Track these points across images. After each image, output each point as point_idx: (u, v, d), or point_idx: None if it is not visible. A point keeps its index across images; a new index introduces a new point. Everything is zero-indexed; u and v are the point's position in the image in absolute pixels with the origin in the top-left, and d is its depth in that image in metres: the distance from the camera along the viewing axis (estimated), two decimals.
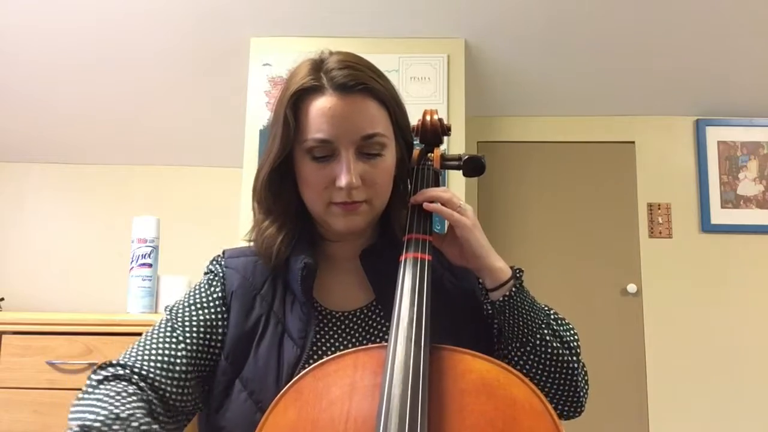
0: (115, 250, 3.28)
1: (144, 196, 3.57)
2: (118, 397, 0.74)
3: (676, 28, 2.89)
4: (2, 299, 3.20)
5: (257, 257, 0.95)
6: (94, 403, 0.73)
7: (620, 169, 3.60)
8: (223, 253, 0.99)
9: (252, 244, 0.97)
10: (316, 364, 0.78)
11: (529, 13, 2.79)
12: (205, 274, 0.97)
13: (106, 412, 0.71)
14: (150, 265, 2.30)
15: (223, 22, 2.85)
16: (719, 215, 3.49)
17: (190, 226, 3.41)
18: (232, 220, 2.95)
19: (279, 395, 0.75)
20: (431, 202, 0.90)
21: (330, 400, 0.74)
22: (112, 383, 0.77)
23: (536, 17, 2.82)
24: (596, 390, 3.22)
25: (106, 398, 0.74)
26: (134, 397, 0.76)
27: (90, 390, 0.76)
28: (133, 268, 2.29)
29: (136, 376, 0.79)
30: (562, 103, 3.54)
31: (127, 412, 0.72)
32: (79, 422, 0.70)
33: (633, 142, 3.62)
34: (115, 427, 0.69)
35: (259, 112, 2.94)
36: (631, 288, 3.44)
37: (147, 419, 0.72)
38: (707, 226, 3.49)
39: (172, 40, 2.91)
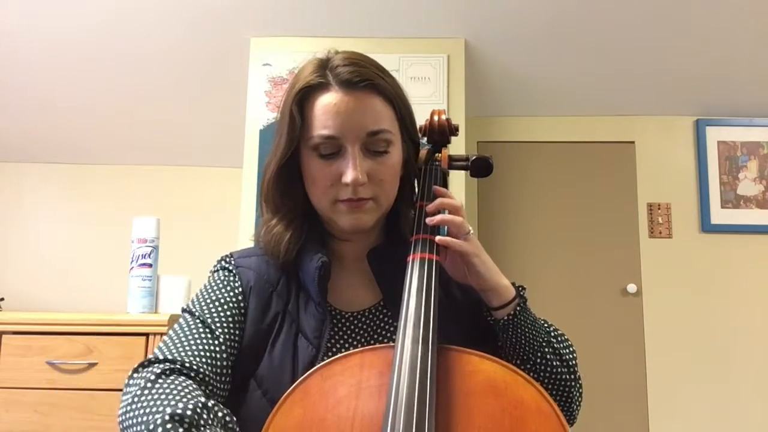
0: (115, 250, 3.27)
1: (144, 196, 3.57)
2: (189, 389, 0.73)
3: (677, 28, 2.89)
4: (2, 299, 3.20)
5: (266, 256, 0.95)
6: (172, 393, 0.71)
7: (620, 169, 3.60)
8: (231, 254, 0.99)
9: (259, 243, 0.96)
10: (322, 363, 0.78)
11: (530, 13, 2.79)
12: (215, 272, 0.96)
13: (193, 400, 0.69)
14: (150, 265, 2.30)
15: (223, 23, 2.84)
16: (719, 215, 3.49)
17: (190, 226, 3.42)
18: (232, 220, 2.95)
19: (285, 394, 0.75)
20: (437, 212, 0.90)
21: (337, 399, 0.74)
22: (172, 377, 0.75)
23: (536, 17, 2.82)
24: (596, 390, 3.24)
25: (180, 389, 0.72)
26: (200, 390, 0.75)
27: (152, 384, 0.74)
28: (133, 268, 2.29)
29: (189, 371, 0.79)
30: (562, 103, 3.54)
31: (210, 401, 0.70)
32: (167, 412, 0.67)
33: (633, 142, 3.62)
34: (204, 415, 0.68)
35: (259, 112, 2.93)
36: (631, 288, 3.44)
37: (227, 410, 0.71)
38: (707, 226, 3.49)
39: (172, 40, 2.90)
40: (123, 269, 2.42)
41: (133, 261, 2.29)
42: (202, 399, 0.70)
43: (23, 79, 3.11)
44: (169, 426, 0.65)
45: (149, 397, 0.71)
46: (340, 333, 0.91)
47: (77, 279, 3.47)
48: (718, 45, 3.00)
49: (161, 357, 0.80)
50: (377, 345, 0.82)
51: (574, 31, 2.92)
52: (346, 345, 0.90)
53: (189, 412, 0.67)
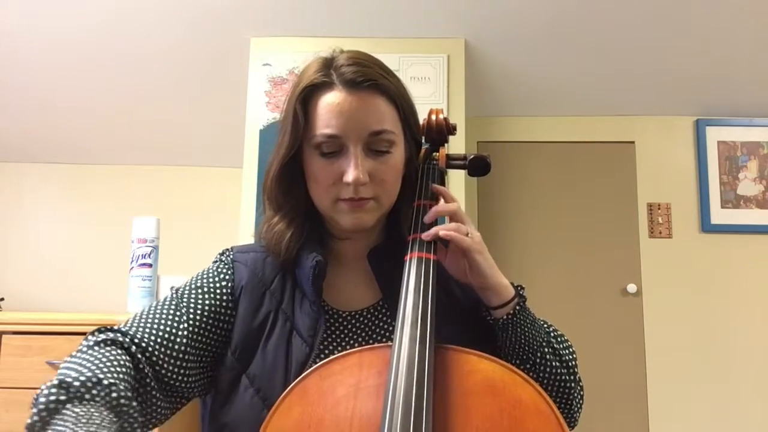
0: (115, 250, 3.27)
1: (144, 196, 3.57)
2: (108, 363, 0.73)
3: (677, 28, 2.89)
4: (2, 299, 3.20)
5: (266, 253, 0.95)
6: (82, 362, 0.72)
7: (620, 169, 3.60)
8: (232, 248, 0.99)
9: (261, 240, 0.97)
10: (321, 362, 0.77)
11: (530, 13, 2.79)
12: (213, 262, 0.97)
13: (89, 374, 0.70)
14: (150, 265, 2.30)
15: (223, 23, 2.84)
16: (719, 215, 3.49)
17: (190, 226, 3.42)
18: (232, 220, 2.95)
19: (284, 394, 0.75)
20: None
21: (335, 399, 0.74)
22: (108, 348, 0.76)
23: (536, 17, 2.82)
24: (596, 390, 3.24)
25: (95, 361, 0.73)
26: (124, 368, 0.75)
27: (84, 349, 0.76)
28: (133, 268, 2.29)
29: (134, 347, 0.79)
30: (562, 103, 3.54)
31: (111, 380, 0.70)
32: (61, 377, 0.69)
33: (633, 142, 3.62)
34: (93, 391, 0.68)
35: (259, 112, 2.93)
36: (631, 288, 3.44)
37: (128, 394, 0.71)
38: (707, 226, 3.49)
39: (172, 40, 2.90)
40: (123, 269, 2.42)
41: (133, 261, 2.29)
42: (102, 375, 0.70)
43: (23, 79, 3.11)
44: (54, 390, 0.67)
45: (73, 360, 0.73)
46: (336, 332, 0.90)
47: (77, 279, 3.47)
48: (718, 45, 3.00)
49: (117, 328, 0.81)
50: (376, 344, 0.82)
51: (574, 31, 2.92)
52: (342, 344, 0.89)
53: (77, 384, 0.68)
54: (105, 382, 0.70)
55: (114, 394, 0.69)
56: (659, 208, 3.54)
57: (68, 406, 0.67)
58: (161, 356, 0.81)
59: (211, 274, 0.93)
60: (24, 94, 3.20)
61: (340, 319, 0.92)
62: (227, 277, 0.93)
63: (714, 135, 3.56)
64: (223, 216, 3.36)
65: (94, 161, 3.62)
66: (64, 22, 2.77)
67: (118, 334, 0.79)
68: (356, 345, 0.89)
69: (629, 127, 3.62)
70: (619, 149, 3.62)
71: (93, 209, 3.59)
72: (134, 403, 0.71)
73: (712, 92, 3.40)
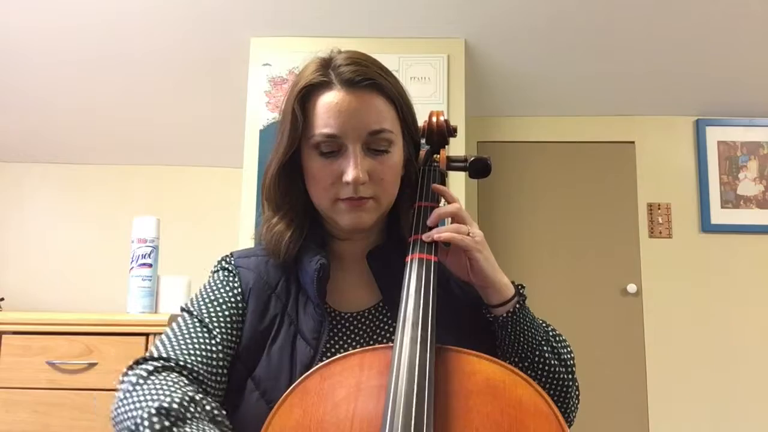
0: (115, 250, 3.27)
1: (144, 196, 3.57)
2: (180, 385, 0.74)
3: (677, 28, 2.89)
4: (2, 299, 3.20)
5: (267, 257, 0.95)
6: (161, 389, 0.72)
7: (620, 169, 3.60)
8: (231, 254, 0.99)
9: (261, 241, 0.97)
10: (322, 363, 0.78)
11: (529, 13, 2.79)
12: (215, 272, 0.97)
13: (180, 394, 0.70)
14: (150, 265, 2.30)
15: (223, 23, 2.85)
16: (719, 215, 3.49)
17: (190, 226, 3.42)
18: (232, 221, 2.96)
19: (285, 394, 0.75)
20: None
21: (336, 400, 0.74)
22: (164, 374, 0.76)
23: (536, 17, 2.82)
24: (596, 390, 3.23)
25: (170, 384, 0.73)
26: (191, 386, 0.76)
27: (143, 381, 0.75)
28: (133, 268, 2.29)
29: (182, 369, 0.79)
30: (562, 103, 3.54)
31: (198, 395, 0.72)
32: (153, 406, 0.68)
33: (633, 142, 3.62)
34: (192, 408, 0.69)
35: (259, 112, 2.93)
36: (631, 288, 3.44)
37: (216, 404, 0.73)
38: (707, 226, 3.49)
39: (172, 40, 2.90)
40: (123, 269, 2.42)
41: (133, 261, 2.30)
42: (190, 393, 0.71)
43: (23, 79, 3.11)
44: (155, 419, 0.67)
45: (139, 393, 0.72)
46: (339, 334, 0.91)
47: (77, 279, 3.47)
48: (718, 45, 3.00)
49: (156, 355, 0.80)
50: (377, 345, 0.82)
51: (574, 31, 2.92)
52: (345, 346, 0.89)
53: (176, 406, 0.68)
54: (196, 398, 0.71)
55: (208, 407, 0.72)
56: (659, 208, 3.54)
57: (174, 429, 0.67)
58: (205, 374, 0.81)
59: (219, 285, 0.93)
60: (24, 94, 3.20)
61: (343, 321, 0.92)
62: (235, 284, 0.92)
63: (714, 135, 3.56)
64: (223, 216, 3.37)
65: (94, 161, 3.62)
66: (64, 22, 2.77)
67: (161, 361, 0.79)
68: (358, 346, 0.89)
69: (629, 127, 3.62)
70: (619, 149, 3.62)
71: (93, 209, 3.59)
72: (224, 412, 0.73)
73: (712, 92, 3.40)
